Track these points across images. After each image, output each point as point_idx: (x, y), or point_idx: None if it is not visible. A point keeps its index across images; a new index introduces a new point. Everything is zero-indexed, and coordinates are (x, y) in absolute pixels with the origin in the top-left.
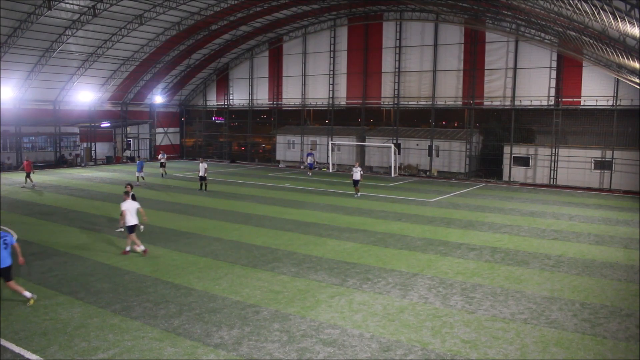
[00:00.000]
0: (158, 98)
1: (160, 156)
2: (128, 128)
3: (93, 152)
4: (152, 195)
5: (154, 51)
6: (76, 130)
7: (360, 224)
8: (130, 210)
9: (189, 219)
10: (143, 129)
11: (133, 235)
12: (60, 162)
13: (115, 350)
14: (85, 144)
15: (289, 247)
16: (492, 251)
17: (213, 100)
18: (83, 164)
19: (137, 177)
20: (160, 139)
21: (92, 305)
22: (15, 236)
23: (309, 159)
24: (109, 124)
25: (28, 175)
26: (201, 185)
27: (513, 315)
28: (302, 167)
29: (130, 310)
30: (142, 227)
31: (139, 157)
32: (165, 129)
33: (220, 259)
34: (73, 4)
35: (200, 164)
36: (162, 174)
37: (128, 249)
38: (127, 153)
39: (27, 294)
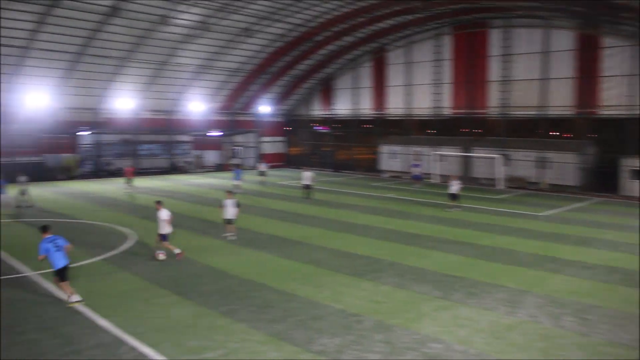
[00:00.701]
0: (264, 108)
1: (260, 165)
2: (236, 137)
3: (203, 159)
4: (257, 202)
5: (260, 62)
6: (188, 138)
7: (466, 236)
8: (167, 220)
9: (293, 226)
10: (250, 137)
11: (166, 243)
12: (173, 169)
13: (222, 350)
14: (196, 152)
15: (392, 258)
16: (608, 271)
17: (317, 110)
18: (194, 171)
19: (235, 185)
20: (266, 148)
21: (201, 306)
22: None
23: (416, 170)
24: (218, 133)
25: (128, 181)
26: (305, 193)
27: (634, 342)
28: (410, 177)
29: (236, 313)
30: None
31: (238, 165)
32: (271, 137)
33: (323, 266)
34: (186, 20)
35: (305, 173)
36: (262, 182)
37: (162, 256)
38: (235, 161)
39: (75, 298)
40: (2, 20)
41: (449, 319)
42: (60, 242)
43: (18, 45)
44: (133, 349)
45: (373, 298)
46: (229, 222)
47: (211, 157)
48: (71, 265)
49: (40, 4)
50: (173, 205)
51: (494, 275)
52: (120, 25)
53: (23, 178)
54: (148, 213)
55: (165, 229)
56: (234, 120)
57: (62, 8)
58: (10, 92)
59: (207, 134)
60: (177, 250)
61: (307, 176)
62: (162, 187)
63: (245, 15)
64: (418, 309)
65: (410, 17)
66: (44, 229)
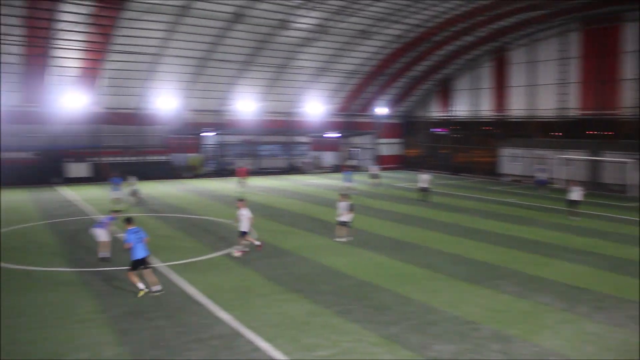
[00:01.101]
0: (381, 109)
1: (373, 167)
2: (353, 138)
3: (320, 160)
4: (373, 204)
5: (378, 64)
6: (306, 139)
7: (591, 245)
8: (248, 218)
9: (409, 229)
10: (367, 139)
11: (243, 240)
12: (291, 169)
13: (335, 349)
14: (313, 153)
15: (512, 265)
16: None
17: (435, 112)
18: (311, 172)
19: (346, 187)
20: (383, 150)
21: (316, 305)
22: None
23: (540, 175)
24: (335, 134)
25: (241, 181)
26: (422, 196)
27: None
28: (534, 182)
29: (351, 313)
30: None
31: (349, 167)
32: (388, 139)
33: (439, 271)
34: (305, 24)
35: (422, 175)
36: (375, 185)
37: (237, 254)
38: (352, 162)
39: (141, 285)
40: (137, 30)
41: (573, 334)
42: (142, 234)
43: (151, 52)
44: (250, 342)
45: (491, 306)
46: (343, 224)
47: (328, 158)
48: (149, 259)
49: (171, 14)
50: (290, 204)
51: (624, 289)
52: (242, 30)
53: (133, 178)
54: (267, 211)
55: (245, 226)
56: (351, 121)
57: (190, 17)
58: (145, 96)
59: (325, 135)
60: (257, 242)
61: (423, 179)
62: (280, 186)
63: (363, 17)
64: (539, 320)
65: (534, 13)
66: (129, 220)
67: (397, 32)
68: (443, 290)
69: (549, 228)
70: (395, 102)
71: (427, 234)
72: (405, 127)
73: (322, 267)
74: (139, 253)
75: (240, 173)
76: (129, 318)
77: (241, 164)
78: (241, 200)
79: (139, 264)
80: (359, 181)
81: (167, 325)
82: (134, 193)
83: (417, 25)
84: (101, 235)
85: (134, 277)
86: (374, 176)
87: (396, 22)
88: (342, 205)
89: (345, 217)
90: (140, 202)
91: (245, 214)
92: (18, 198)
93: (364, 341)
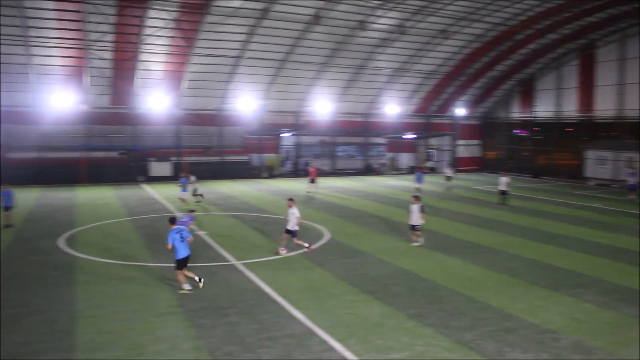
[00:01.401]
0: (460, 110)
1: (447, 169)
2: (430, 139)
3: (397, 161)
4: (449, 206)
5: (457, 64)
6: (383, 140)
7: None
8: (297, 218)
9: (487, 232)
10: (444, 140)
11: (295, 239)
12: (367, 170)
13: (407, 352)
14: (390, 154)
15: (597, 274)
16: None
17: (516, 113)
18: (387, 173)
19: (417, 188)
20: (460, 151)
21: (389, 307)
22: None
23: (632, 179)
24: (412, 136)
25: (312, 181)
26: (501, 199)
27: None
28: (623, 187)
29: (424, 317)
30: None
31: (427, 168)
32: (466, 141)
33: (518, 277)
34: (383, 24)
35: (501, 178)
36: (448, 187)
37: (283, 252)
38: (429, 164)
39: (187, 286)
40: (219, 33)
41: None
42: (185, 234)
43: (232, 55)
44: (323, 341)
45: (573, 315)
46: (413, 227)
47: (405, 159)
48: (196, 260)
49: (251, 17)
50: (365, 205)
51: None
52: (321, 32)
53: (193, 177)
54: (342, 212)
55: (294, 226)
56: (429, 122)
57: (270, 19)
58: (225, 97)
59: (402, 136)
60: (306, 244)
61: (503, 181)
62: (356, 187)
63: (443, 17)
64: (625, 332)
65: (625, 7)
66: (172, 220)
67: (477, 31)
68: (521, 297)
69: (638, 236)
70: (474, 103)
71: (506, 238)
72: (485, 128)
73: (396, 269)
74: (183, 252)
75: (311, 173)
76: (205, 313)
77: (313, 164)
78: (291, 200)
79: (184, 263)
80: (434, 183)
81: (242, 321)
82: (195, 192)
83: (499, 24)
84: None
85: (180, 276)
86: (448, 178)
87: (477, 20)
88: (414, 207)
89: (417, 220)
90: (199, 200)
91: (294, 213)
92: (105, 195)
93: (438, 346)
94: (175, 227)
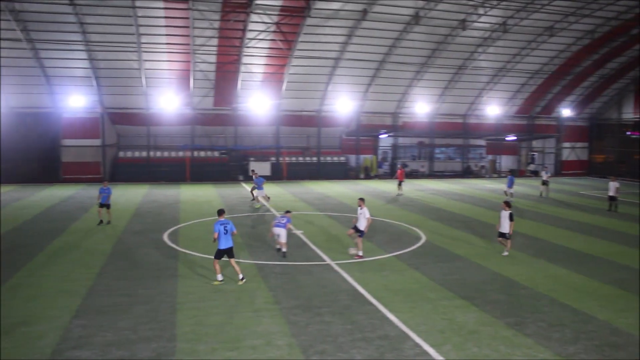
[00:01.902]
0: (566, 111)
1: (543, 174)
2: (533, 142)
3: (497, 164)
4: (554, 212)
5: (563, 62)
6: (482, 142)
7: None
8: (368, 218)
9: (593, 240)
10: (548, 143)
11: (360, 239)
12: (466, 173)
13: None
14: (490, 157)
15: None
16: None
17: (629, 113)
18: (487, 176)
19: (506, 192)
20: (566, 154)
21: (486, 314)
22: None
23: None
24: (514, 138)
25: (400, 184)
26: (610, 205)
27: None
28: None
29: (523, 326)
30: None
31: (511, 171)
32: (572, 143)
33: (627, 289)
34: (485, 23)
35: (611, 183)
36: (541, 194)
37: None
38: (531, 167)
39: (219, 277)
40: (318, 35)
41: None
42: (230, 226)
43: (330, 57)
44: (417, 345)
45: None
46: (502, 235)
47: (506, 162)
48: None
49: (351, 19)
50: (464, 208)
51: None
52: (420, 32)
53: (241, 177)
54: (439, 215)
55: (363, 225)
56: (532, 124)
57: (369, 20)
58: (323, 99)
59: (503, 138)
60: (360, 252)
61: (612, 187)
62: (454, 190)
63: (549, 13)
64: None
65: None
66: (220, 212)
67: (587, 27)
68: (631, 311)
69: None
70: (581, 103)
71: (614, 247)
72: (593, 130)
73: (494, 275)
74: (225, 243)
75: (399, 175)
76: (299, 311)
77: (399, 165)
78: (361, 199)
79: (222, 254)
80: (534, 187)
81: (336, 321)
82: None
83: (612, 18)
84: (281, 234)
85: (216, 265)
86: (544, 183)
87: (587, 15)
88: (504, 214)
89: (505, 228)
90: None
91: (363, 214)
92: (207, 193)
93: (537, 357)
94: (221, 218)
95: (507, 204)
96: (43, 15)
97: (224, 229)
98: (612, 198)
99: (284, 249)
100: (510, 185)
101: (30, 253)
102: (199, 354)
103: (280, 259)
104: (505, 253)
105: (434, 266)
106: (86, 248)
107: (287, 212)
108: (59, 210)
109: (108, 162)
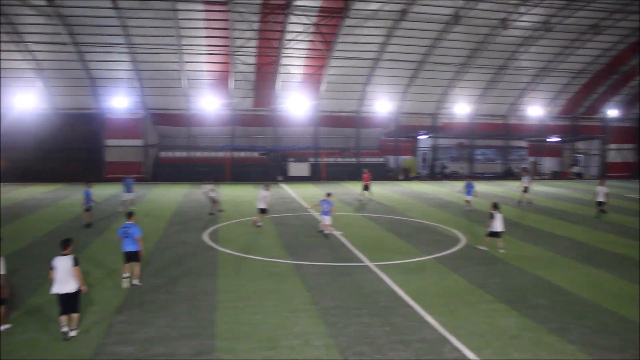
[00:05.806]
0: (612, 112)
1: (524, 179)
2: (577, 143)
3: (539, 166)
4: (598, 215)
5: (609, 61)
6: (524, 144)
7: None
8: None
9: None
10: (593, 144)
11: (488, 238)
12: (507, 175)
13: None
14: (532, 158)
15: None
16: None
17: None
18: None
19: (467, 200)
20: (612, 156)
21: (528, 319)
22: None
23: None
24: (557, 139)
25: (366, 188)
26: None
27: None
28: None
29: (566, 332)
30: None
31: (525, 170)
32: (618, 145)
33: None
34: (527, 22)
35: None
36: (520, 200)
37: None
38: (575, 169)
39: (126, 275)
40: (357, 36)
41: None
42: (131, 230)
43: (369, 57)
44: (456, 349)
45: None
46: (494, 235)
47: (548, 164)
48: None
49: (389, 19)
50: (503, 210)
51: None
52: (460, 32)
53: (280, 177)
54: (478, 217)
55: (498, 227)
56: (576, 125)
57: (408, 21)
58: (361, 99)
59: (545, 139)
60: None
61: None
62: (494, 192)
63: (594, 10)
64: None
65: None
66: (129, 215)
67: (634, 24)
68: None
69: None
70: (629, 103)
71: None
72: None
73: (536, 279)
74: (126, 247)
75: (365, 179)
76: (337, 312)
77: (364, 170)
78: (495, 205)
79: (127, 257)
80: (576, 189)
81: (374, 322)
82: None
83: None
84: (325, 218)
85: (126, 267)
86: (526, 189)
87: (634, 12)
88: (497, 216)
89: (499, 227)
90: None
91: (497, 218)
92: (246, 193)
93: None
94: (127, 222)
95: (495, 206)
96: (88, 19)
97: (125, 233)
98: None
99: (326, 231)
100: (470, 192)
101: (73, 249)
102: (237, 353)
103: (318, 259)
104: (502, 250)
105: (474, 269)
106: None
107: (328, 194)
108: (102, 209)
109: (150, 162)
